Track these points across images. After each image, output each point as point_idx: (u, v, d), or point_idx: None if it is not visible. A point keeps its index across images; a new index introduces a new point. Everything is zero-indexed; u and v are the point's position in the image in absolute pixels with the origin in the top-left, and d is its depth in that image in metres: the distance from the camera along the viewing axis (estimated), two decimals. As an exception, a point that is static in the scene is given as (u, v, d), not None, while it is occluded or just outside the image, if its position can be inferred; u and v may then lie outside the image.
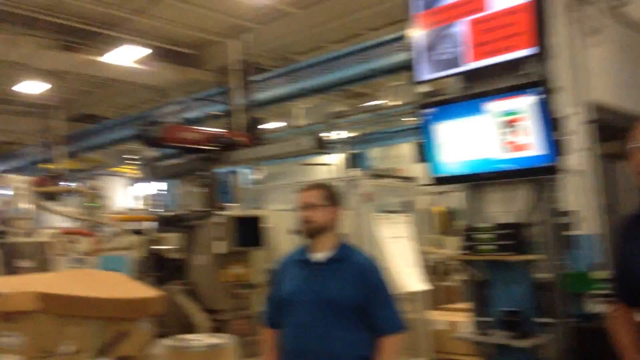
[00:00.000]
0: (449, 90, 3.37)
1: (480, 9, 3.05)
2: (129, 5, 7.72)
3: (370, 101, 13.04)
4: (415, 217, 5.48)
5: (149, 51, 8.69)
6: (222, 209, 4.94)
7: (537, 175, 2.94)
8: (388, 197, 6.16)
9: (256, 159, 6.32)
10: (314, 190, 2.43)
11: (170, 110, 8.70)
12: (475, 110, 3.05)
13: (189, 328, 4.05)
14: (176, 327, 3.81)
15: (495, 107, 2.97)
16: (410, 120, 12.66)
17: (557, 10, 3.16)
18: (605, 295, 2.88)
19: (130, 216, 8.61)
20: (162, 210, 8.76)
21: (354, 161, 13.38)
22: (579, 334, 2.79)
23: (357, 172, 5.51)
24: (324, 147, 5.71)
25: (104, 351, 2.52)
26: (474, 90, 3.19)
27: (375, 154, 15.84)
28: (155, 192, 13.33)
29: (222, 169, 5.84)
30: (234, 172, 10.22)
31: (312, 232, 2.39)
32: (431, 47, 3.26)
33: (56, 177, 9.83)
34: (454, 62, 3.16)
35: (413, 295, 5.07)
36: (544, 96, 2.81)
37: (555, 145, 2.84)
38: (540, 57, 2.94)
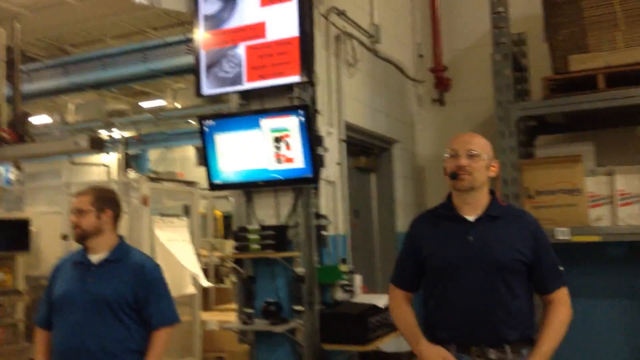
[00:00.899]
0: (231, 104, 3.70)
1: (258, 37, 3.44)
2: None
3: (151, 101, 12.83)
4: (194, 221, 5.66)
5: None
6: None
7: (299, 185, 3.41)
8: (167, 201, 6.24)
9: (22, 156, 5.91)
10: (84, 195, 2.54)
11: None
12: (251, 125, 3.42)
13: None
14: None
15: (268, 124, 3.38)
16: (192, 124, 12.79)
17: (321, 45, 3.70)
18: (346, 285, 3.50)
19: None
20: None
21: (132, 163, 13.00)
22: (324, 318, 3.33)
23: (134, 175, 5.49)
24: (100, 146, 5.60)
25: None
26: (250, 107, 3.57)
27: (154, 156, 15.55)
28: None
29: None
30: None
31: (80, 237, 2.51)
32: (214, 64, 3.56)
33: None
34: (233, 81, 3.50)
35: (188, 298, 5.26)
36: (306, 117, 3.28)
37: (315, 159, 3.34)
38: (306, 84, 3.42)
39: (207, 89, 3.56)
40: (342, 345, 3.34)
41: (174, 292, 2.74)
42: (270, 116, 3.37)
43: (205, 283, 5.27)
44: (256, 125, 3.41)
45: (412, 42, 5.46)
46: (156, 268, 2.66)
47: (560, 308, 2.14)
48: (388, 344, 3.40)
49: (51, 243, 5.02)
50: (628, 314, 4.52)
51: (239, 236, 3.47)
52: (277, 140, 3.38)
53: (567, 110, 3.97)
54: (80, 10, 8.53)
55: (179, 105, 12.59)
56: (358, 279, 3.66)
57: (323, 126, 3.57)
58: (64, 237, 4.82)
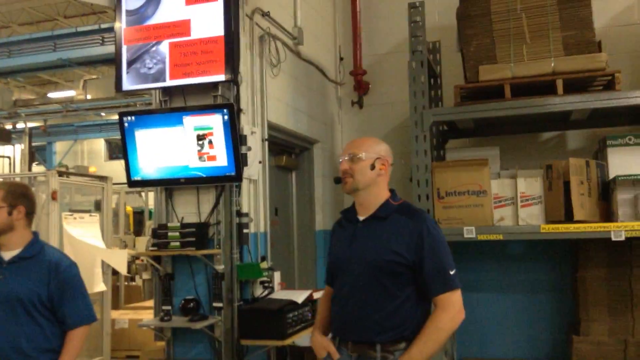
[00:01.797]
0: (153, 101, 3.65)
1: (183, 34, 3.43)
2: None
3: (60, 91, 12.27)
4: (106, 217, 5.52)
5: None
6: None
7: (222, 182, 3.43)
8: (77, 196, 6.05)
9: None
10: None
11: None
12: (173, 122, 3.40)
13: None
14: None
15: (191, 121, 3.37)
16: (103, 116, 12.35)
17: (245, 45, 3.73)
18: (266, 282, 3.56)
19: None
20: None
21: (37, 155, 12.37)
22: (242, 314, 3.37)
23: (41, 169, 5.30)
24: (7, 137, 5.35)
25: None
26: (173, 104, 3.55)
27: (61, 148, 14.86)
28: None
29: None
30: None
31: None
32: (135, 60, 3.50)
33: None
34: (156, 77, 3.46)
35: (98, 296, 5.14)
36: (230, 116, 3.31)
37: (238, 158, 3.37)
38: (230, 83, 3.45)
39: (128, 84, 3.49)
40: (260, 341, 3.40)
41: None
42: (193, 114, 3.37)
43: (104, 286, 5.15)
44: (179, 122, 3.39)
45: (334, 45, 5.60)
46: (72, 266, 2.61)
47: (440, 313, 2.10)
48: (304, 338, 3.49)
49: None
50: (527, 306, 4.89)
51: (159, 233, 3.44)
52: (200, 138, 3.38)
53: (476, 117, 4.24)
54: (-16, -7, 8.06)
55: (89, 97, 12.13)
56: (277, 276, 3.73)
57: (246, 125, 3.61)
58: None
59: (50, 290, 2.48)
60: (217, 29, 3.38)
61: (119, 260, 5.31)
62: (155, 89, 3.57)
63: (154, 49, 3.49)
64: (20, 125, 11.73)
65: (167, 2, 3.48)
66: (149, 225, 9.40)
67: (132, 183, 3.58)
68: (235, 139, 3.34)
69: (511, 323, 4.91)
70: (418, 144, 4.07)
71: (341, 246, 2.30)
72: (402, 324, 2.14)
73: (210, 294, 3.41)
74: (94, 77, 11.92)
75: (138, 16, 3.53)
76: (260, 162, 3.78)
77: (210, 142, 3.36)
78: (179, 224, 3.44)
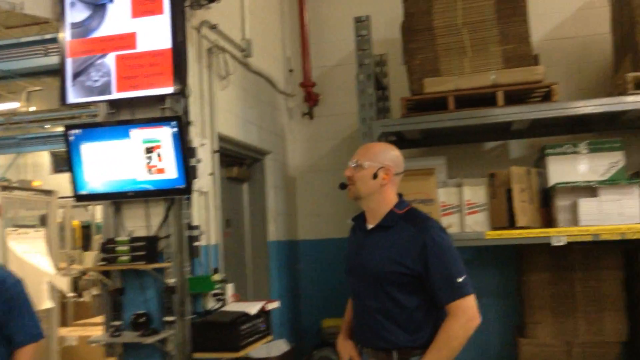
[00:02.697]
0: (100, 114, 3.60)
1: (129, 47, 3.40)
2: None
3: (3, 103, 11.87)
4: (52, 232, 5.38)
5: None
6: None
7: (172, 195, 3.41)
8: (21, 210, 5.86)
9: None
10: None
11: None
12: (121, 135, 3.36)
13: None
14: None
15: (139, 134, 3.34)
16: (49, 128, 12.00)
17: (193, 57, 3.74)
18: (218, 294, 3.55)
19: None
20: None
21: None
22: (195, 327, 3.35)
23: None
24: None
25: None
26: (120, 117, 3.51)
27: (3, 162, 14.34)
28: None
29: None
30: None
31: None
32: (81, 72, 3.45)
33: None
34: (102, 90, 3.41)
35: (45, 313, 4.99)
36: (179, 129, 3.30)
37: (188, 170, 3.36)
38: (178, 95, 3.44)
39: (74, 97, 3.44)
40: (213, 354, 3.38)
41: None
42: (141, 127, 3.34)
43: (51, 303, 5.02)
44: (126, 135, 3.36)
45: (283, 57, 5.65)
46: (18, 283, 2.55)
47: (451, 321, 2.09)
48: (258, 350, 3.50)
49: None
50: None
51: (107, 248, 3.39)
52: (149, 150, 3.35)
53: (422, 128, 4.36)
54: None
55: (33, 108, 11.77)
56: (230, 288, 3.73)
57: (196, 137, 3.60)
58: None
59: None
60: (164, 41, 3.37)
61: (62, 282, 5.18)
62: (101, 101, 3.52)
63: (99, 61, 3.44)
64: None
65: (113, 14, 3.45)
66: (97, 239, 9.18)
67: (78, 197, 3.52)
68: (185, 151, 3.33)
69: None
70: (367, 154, 4.14)
71: (351, 254, 2.34)
72: (416, 331, 2.16)
73: (162, 308, 3.37)
74: (37, 88, 11.58)
75: (83, 29, 3.48)
76: (210, 174, 3.78)
77: (159, 154, 3.34)
78: (128, 238, 3.40)
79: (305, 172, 5.71)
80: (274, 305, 3.78)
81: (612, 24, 4.61)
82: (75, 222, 8.32)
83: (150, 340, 3.14)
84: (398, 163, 2.30)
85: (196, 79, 3.77)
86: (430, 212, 4.08)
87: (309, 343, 5.29)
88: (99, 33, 3.46)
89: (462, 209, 4.19)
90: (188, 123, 3.52)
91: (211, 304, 3.53)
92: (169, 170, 3.34)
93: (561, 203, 4.02)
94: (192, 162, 3.47)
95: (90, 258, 8.03)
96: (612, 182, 3.96)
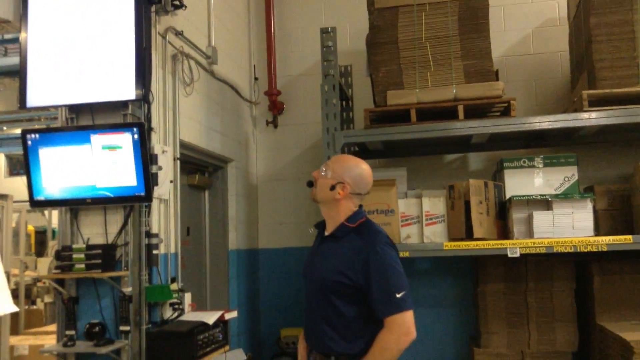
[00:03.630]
0: (59, 117, 3.53)
1: (91, 51, 3.36)
2: None
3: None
4: (5, 237, 5.24)
5: None
6: None
7: (131, 203, 3.36)
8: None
9: None
10: None
11: None
12: (81, 140, 3.30)
13: None
14: None
15: (99, 140, 3.29)
16: (5, 130, 11.66)
17: (158, 63, 3.71)
18: (176, 304, 3.52)
19: None
20: None
21: None
22: (151, 337, 3.31)
23: None
24: None
25: None
26: (81, 122, 3.45)
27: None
28: None
29: None
30: None
31: None
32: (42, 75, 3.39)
33: None
34: (63, 94, 3.36)
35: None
36: (140, 135, 3.26)
37: (148, 177, 3.32)
38: (141, 101, 3.41)
39: (34, 101, 3.37)
40: (169, 364, 3.34)
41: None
42: (102, 132, 3.30)
43: (12, 308, 4.88)
44: (86, 141, 3.30)
45: (248, 65, 5.65)
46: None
47: (385, 333, 2.15)
48: (216, 360, 3.48)
49: None
50: (433, 320, 5.10)
51: (63, 255, 3.32)
52: (108, 157, 3.31)
53: (385, 139, 4.42)
54: None
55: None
56: (187, 297, 3.69)
57: (157, 144, 3.57)
58: None
59: None
60: (128, 46, 3.34)
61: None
62: (61, 106, 3.46)
63: (62, 64, 3.38)
64: None
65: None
66: (52, 245, 8.95)
67: (35, 203, 3.44)
68: (146, 158, 3.30)
69: (418, 337, 5.08)
70: (329, 164, 4.17)
71: (309, 259, 2.44)
72: (354, 340, 2.23)
73: (117, 317, 3.32)
74: (-6, 88, 11.25)
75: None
76: (171, 182, 3.75)
77: (119, 161, 3.29)
78: (84, 246, 3.34)
79: (268, 180, 5.72)
80: (232, 314, 3.76)
81: (570, 43, 4.77)
82: (30, 227, 8.09)
83: (104, 350, 3.09)
84: (360, 184, 2.37)
85: (160, 85, 3.74)
86: (390, 223, 4.16)
87: (267, 352, 5.27)
88: (60, 36, 3.40)
89: (421, 220, 4.25)
90: (150, 129, 3.49)
91: (168, 313, 3.50)
92: (129, 177, 3.30)
93: (517, 215, 4.12)
94: (153, 169, 3.43)
95: (45, 264, 7.82)
96: (566, 196, 4.08)
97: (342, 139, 4.24)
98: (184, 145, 4.04)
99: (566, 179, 4.27)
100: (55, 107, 3.51)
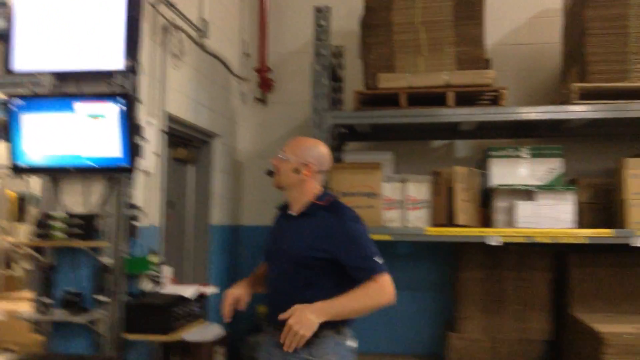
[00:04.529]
0: (43, 84, 3.47)
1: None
2: None
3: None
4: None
5: None
6: None
7: (114, 173, 3.34)
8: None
9: None
10: None
11: None
12: (65, 107, 3.26)
13: None
14: None
15: (84, 108, 3.25)
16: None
17: (147, 34, 3.65)
18: (155, 277, 3.52)
19: None
20: None
21: None
22: (128, 308, 3.31)
23: None
24: None
25: None
26: (66, 89, 3.40)
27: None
28: None
29: None
30: None
31: None
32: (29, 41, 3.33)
33: None
34: (48, 60, 3.31)
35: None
36: (127, 106, 3.23)
37: (132, 149, 3.29)
38: (128, 72, 3.36)
39: (18, 66, 3.31)
40: (144, 335, 3.34)
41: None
42: (87, 100, 3.25)
43: None
44: (70, 108, 3.26)
45: (240, 41, 5.58)
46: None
47: (371, 283, 2.19)
48: (192, 333, 3.49)
49: None
50: (410, 303, 5.15)
51: (42, 223, 3.30)
52: (92, 126, 3.27)
53: (373, 122, 4.41)
54: None
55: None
56: (167, 270, 3.69)
57: (144, 116, 3.53)
58: None
59: None
60: (117, 14, 3.28)
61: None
62: (48, 72, 3.40)
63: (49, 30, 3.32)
64: None
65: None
66: (32, 211, 8.84)
67: (16, 169, 3.40)
68: (131, 129, 3.27)
69: (395, 320, 5.15)
70: (317, 145, 4.16)
71: (272, 238, 2.47)
72: None
73: (95, 287, 3.31)
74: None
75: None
76: (156, 154, 3.72)
77: (103, 130, 3.26)
78: (65, 214, 3.31)
79: (254, 157, 5.69)
80: (211, 289, 3.77)
81: (563, 34, 4.76)
82: (12, 194, 7.99)
83: (80, 319, 3.09)
84: (322, 161, 2.43)
85: (148, 56, 3.69)
86: (373, 206, 4.17)
87: (244, 328, 5.30)
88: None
89: (404, 204, 4.27)
90: (136, 100, 3.45)
91: (147, 285, 3.49)
92: (113, 147, 3.27)
93: (500, 204, 4.15)
94: (138, 140, 3.40)
95: (24, 230, 7.75)
96: (549, 188, 4.11)
97: (331, 120, 4.23)
98: (170, 119, 4.01)
99: (550, 171, 4.30)
100: (41, 73, 3.44)
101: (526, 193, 4.11)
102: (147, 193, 3.70)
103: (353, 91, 4.37)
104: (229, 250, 5.35)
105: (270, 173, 2.47)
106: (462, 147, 5.23)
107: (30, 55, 3.35)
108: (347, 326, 2.36)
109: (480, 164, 4.63)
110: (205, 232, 4.96)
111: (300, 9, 5.55)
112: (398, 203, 4.28)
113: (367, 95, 4.34)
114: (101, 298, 3.26)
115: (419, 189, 4.26)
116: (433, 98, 4.25)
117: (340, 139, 5.09)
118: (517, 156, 4.36)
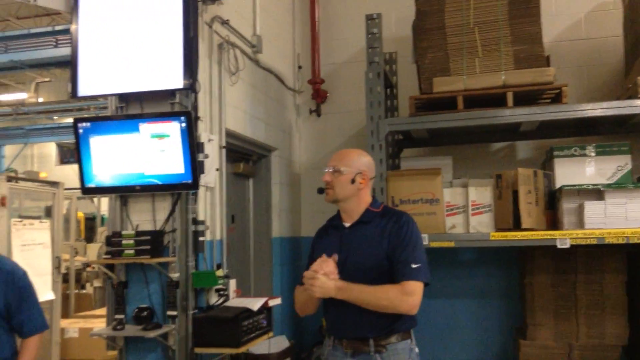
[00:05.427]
0: (109, 106, 3.60)
1: (140, 40, 3.41)
2: None
3: (11, 94, 11.93)
4: (57, 224, 5.41)
5: None
6: None
7: (178, 190, 3.42)
8: (26, 201, 5.89)
9: None
10: None
11: None
12: (130, 129, 3.37)
13: None
14: None
15: (148, 128, 3.35)
16: (56, 119, 12.04)
17: (204, 52, 3.74)
18: (221, 290, 3.56)
19: None
20: None
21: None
22: (197, 322, 3.36)
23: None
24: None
25: None
26: (129, 110, 3.52)
27: (12, 152, 14.41)
28: None
29: None
30: None
31: None
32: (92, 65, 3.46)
33: None
34: (113, 83, 3.43)
35: (47, 304, 5.03)
36: (188, 124, 3.31)
37: (195, 165, 3.37)
38: (188, 90, 3.44)
39: (84, 90, 3.45)
40: (214, 349, 3.39)
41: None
42: (150, 121, 3.35)
43: (50, 296, 5.05)
44: (135, 129, 3.37)
45: (292, 54, 5.64)
46: (25, 275, 2.59)
47: (395, 287, 2.22)
48: (258, 346, 3.51)
49: None
50: (477, 311, 5.03)
51: (113, 241, 3.40)
52: (156, 145, 3.36)
53: (430, 127, 4.35)
54: None
55: (41, 99, 11.81)
56: (232, 283, 3.74)
57: (204, 133, 3.61)
58: None
59: (7, 299, 2.47)
60: (176, 36, 3.38)
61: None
62: (111, 95, 3.53)
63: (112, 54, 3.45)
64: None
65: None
66: (101, 231, 9.20)
67: (86, 190, 3.53)
68: (193, 146, 3.34)
69: (462, 327, 5.04)
70: (374, 152, 4.15)
71: (329, 251, 2.38)
72: (397, 319, 2.27)
73: (165, 302, 3.38)
74: (46, 79, 11.62)
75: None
76: (217, 170, 3.79)
77: (167, 149, 3.34)
78: (133, 232, 3.41)
79: (311, 169, 5.72)
80: (275, 301, 3.79)
81: (625, 27, 4.58)
82: (80, 214, 8.34)
83: (152, 334, 3.15)
84: (372, 168, 2.50)
85: (206, 74, 3.78)
86: (435, 212, 4.11)
87: (309, 340, 5.30)
88: (110, 26, 3.46)
89: (467, 209, 4.18)
90: (197, 118, 3.53)
91: (214, 299, 3.55)
92: (177, 165, 3.35)
93: (567, 206, 4.01)
94: (200, 157, 3.47)
95: (94, 250, 8.05)
96: (619, 186, 3.94)
97: (387, 127, 4.20)
98: (229, 134, 4.08)
99: (619, 168, 4.12)
100: (105, 96, 3.58)
101: (594, 192, 3.95)
102: (210, 208, 3.77)
103: (408, 97, 4.33)
104: (291, 261, 5.38)
105: (321, 190, 2.48)
106: (524, 148, 5.09)
107: (94, 80, 3.47)
108: (413, 330, 2.35)
109: (544, 164, 4.49)
110: (267, 245, 5.00)
111: (350, 20, 5.57)
112: (460, 208, 4.19)
113: (422, 100, 4.29)
114: (171, 312, 3.33)
115: (481, 193, 4.16)
116: (491, 99, 4.16)
117: (397, 146, 5.05)
118: (583, 155, 4.20)
